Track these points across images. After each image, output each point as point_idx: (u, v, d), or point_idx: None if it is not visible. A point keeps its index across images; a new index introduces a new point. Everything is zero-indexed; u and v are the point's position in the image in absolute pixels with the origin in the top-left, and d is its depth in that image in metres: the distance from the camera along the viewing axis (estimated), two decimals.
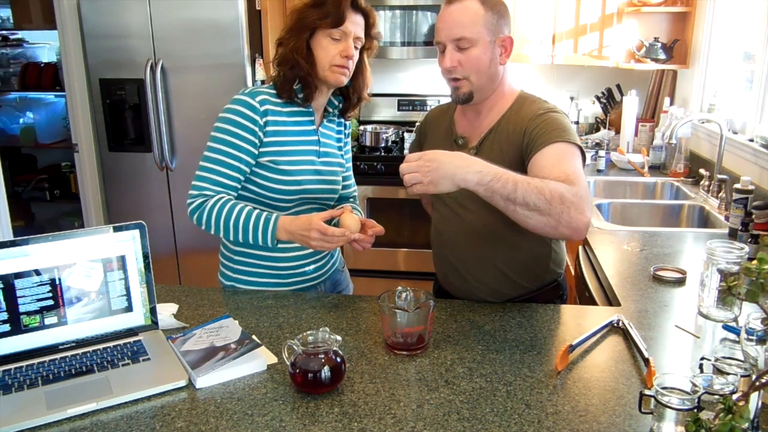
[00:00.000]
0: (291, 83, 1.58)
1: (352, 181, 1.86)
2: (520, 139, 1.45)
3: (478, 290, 1.57)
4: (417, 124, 3.61)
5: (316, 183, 1.65)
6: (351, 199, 1.85)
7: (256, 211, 1.54)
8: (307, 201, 1.65)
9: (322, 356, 1.14)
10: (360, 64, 1.64)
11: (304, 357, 1.14)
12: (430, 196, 1.71)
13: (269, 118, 1.57)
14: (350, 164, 1.83)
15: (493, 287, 1.56)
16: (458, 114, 1.62)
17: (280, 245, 1.58)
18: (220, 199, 1.54)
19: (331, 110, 1.72)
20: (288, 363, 1.16)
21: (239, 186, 1.59)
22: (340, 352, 1.17)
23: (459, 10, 1.44)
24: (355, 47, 1.58)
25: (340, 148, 1.76)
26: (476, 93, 1.50)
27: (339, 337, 1.17)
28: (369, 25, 1.61)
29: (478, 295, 1.56)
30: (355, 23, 1.56)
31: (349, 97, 1.71)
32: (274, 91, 1.60)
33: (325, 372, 1.12)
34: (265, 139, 1.57)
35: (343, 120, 1.77)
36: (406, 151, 3.49)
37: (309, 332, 1.18)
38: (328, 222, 1.50)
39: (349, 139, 1.82)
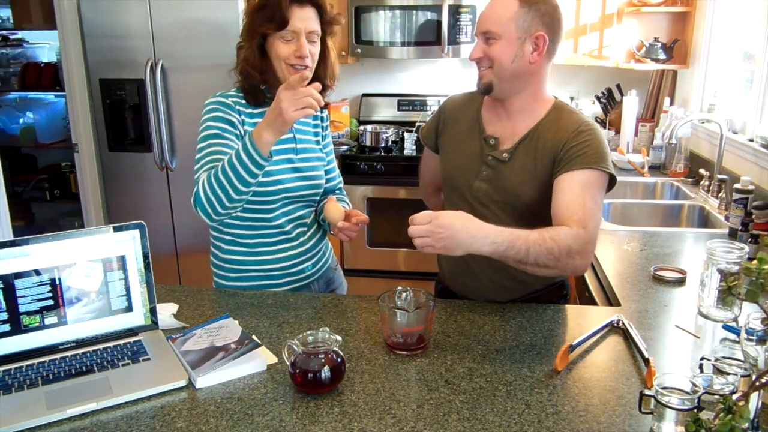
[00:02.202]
0: (253, 91, 1.56)
1: (337, 172, 1.83)
2: (558, 149, 1.44)
3: (488, 288, 1.56)
4: (423, 125, 3.60)
5: (297, 180, 1.63)
6: (337, 191, 1.83)
7: (233, 151, 1.44)
8: (291, 200, 1.63)
9: (322, 356, 1.14)
10: (323, 51, 1.59)
11: (304, 357, 1.14)
12: (446, 190, 1.69)
13: (243, 117, 1.57)
14: (332, 156, 1.80)
15: (505, 285, 1.55)
16: (486, 110, 1.58)
17: (269, 239, 1.61)
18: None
19: None
20: (288, 363, 1.16)
21: None
22: (340, 352, 1.17)
23: (494, 3, 1.44)
24: (312, 41, 1.53)
25: (318, 142, 1.73)
26: (496, 86, 1.47)
27: (339, 337, 1.17)
28: (323, 13, 1.55)
29: (485, 292, 1.56)
30: (303, 19, 1.51)
31: None
32: (242, 94, 1.59)
33: (325, 372, 1.12)
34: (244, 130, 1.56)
35: (319, 112, 1.70)
36: (407, 151, 3.50)
37: (309, 332, 1.18)
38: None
39: (328, 131, 1.78)
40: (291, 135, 1.63)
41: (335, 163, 1.82)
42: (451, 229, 1.23)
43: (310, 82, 1.56)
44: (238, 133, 1.55)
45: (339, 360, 1.15)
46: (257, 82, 1.55)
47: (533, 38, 1.43)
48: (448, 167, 1.65)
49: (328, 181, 1.77)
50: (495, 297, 1.54)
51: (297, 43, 1.51)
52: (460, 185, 1.59)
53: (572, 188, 1.39)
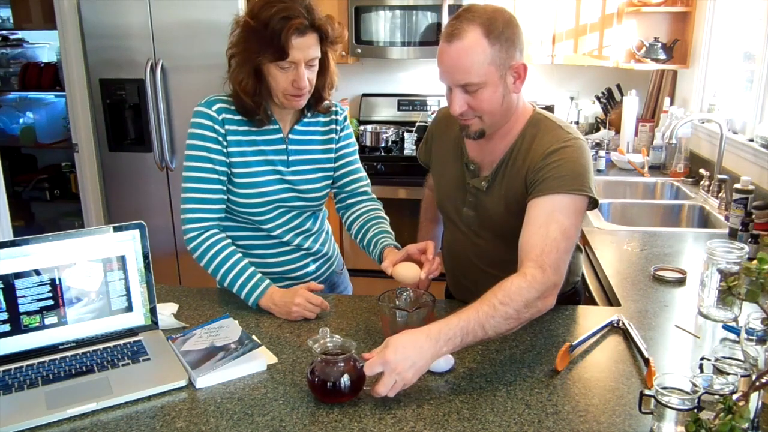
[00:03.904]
0: (243, 110, 1.50)
1: (358, 175, 1.71)
2: (530, 174, 1.35)
3: None
4: (423, 125, 3.56)
5: (287, 192, 1.57)
6: (363, 194, 1.72)
7: (251, 268, 1.50)
8: (286, 211, 1.60)
9: (342, 364, 1.10)
10: (324, 63, 1.51)
11: (323, 365, 1.10)
12: (442, 217, 1.66)
13: (228, 127, 1.50)
14: (353, 158, 1.69)
15: None
16: None
17: (267, 249, 1.60)
18: (220, 241, 1.51)
19: (306, 111, 1.60)
20: (307, 371, 1.13)
21: (225, 197, 1.54)
22: (357, 358, 1.13)
23: (461, 52, 1.27)
24: (311, 65, 1.45)
25: (328, 150, 1.64)
26: (489, 129, 1.38)
27: (354, 343, 1.14)
28: (324, 37, 1.45)
29: None
30: (303, 48, 1.40)
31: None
32: (233, 101, 1.51)
33: (345, 381, 1.09)
34: (228, 150, 1.51)
35: (333, 116, 1.64)
36: (407, 151, 3.49)
37: (328, 339, 1.14)
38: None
39: (346, 132, 1.67)
40: (283, 147, 1.57)
41: (358, 165, 1.71)
42: (401, 364, 1.08)
43: (309, 100, 1.54)
44: (223, 150, 1.50)
45: (360, 366, 1.11)
46: (250, 107, 1.48)
47: (513, 70, 1.32)
48: (438, 194, 1.61)
49: (347, 184, 1.69)
50: None
51: (295, 73, 1.42)
52: (451, 212, 1.56)
53: (537, 218, 1.29)
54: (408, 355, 1.09)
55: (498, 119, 1.37)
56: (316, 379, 1.10)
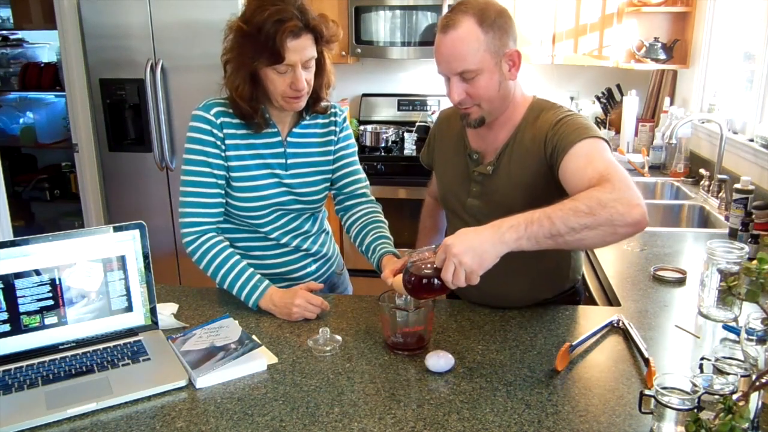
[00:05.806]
0: (240, 115, 1.49)
1: (359, 176, 1.70)
2: (541, 149, 1.38)
3: (495, 300, 1.50)
4: (423, 125, 3.57)
5: (285, 195, 1.57)
6: (361, 196, 1.71)
7: (250, 269, 1.50)
8: (284, 213, 1.60)
9: (432, 265, 1.18)
10: (320, 63, 1.50)
11: (417, 264, 1.20)
12: (445, 212, 1.67)
13: (226, 131, 1.50)
14: (352, 159, 1.68)
15: (511, 298, 1.50)
16: None
17: (265, 250, 1.60)
18: (219, 243, 1.51)
19: (305, 114, 1.59)
20: (404, 277, 1.22)
21: (224, 201, 1.55)
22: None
23: (456, 41, 1.32)
24: (308, 66, 1.44)
25: (326, 152, 1.63)
26: (488, 117, 1.41)
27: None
28: (319, 37, 1.44)
29: (494, 305, 1.51)
30: (298, 50, 1.39)
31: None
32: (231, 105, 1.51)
33: (436, 279, 1.17)
34: (226, 153, 1.51)
35: (332, 117, 1.64)
36: (407, 151, 3.49)
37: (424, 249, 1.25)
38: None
39: (345, 133, 1.66)
40: (281, 150, 1.56)
41: (357, 166, 1.70)
42: (465, 246, 1.11)
43: (307, 101, 1.52)
44: (221, 154, 1.50)
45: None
46: (247, 112, 1.47)
47: (507, 57, 1.36)
48: (441, 188, 1.62)
49: (346, 185, 1.68)
50: (503, 305, 1.50)
51: (292, 76, 1.41)
52: (455, 205, 1.56)
53: (577, 164, 1.29)
54: (465, 239, 1.13)
55: (497, 106, 1.41)
56: (413, 278, 1.19)
